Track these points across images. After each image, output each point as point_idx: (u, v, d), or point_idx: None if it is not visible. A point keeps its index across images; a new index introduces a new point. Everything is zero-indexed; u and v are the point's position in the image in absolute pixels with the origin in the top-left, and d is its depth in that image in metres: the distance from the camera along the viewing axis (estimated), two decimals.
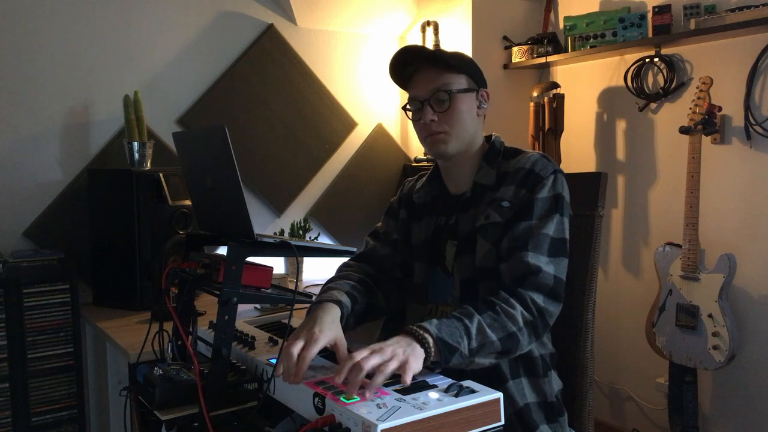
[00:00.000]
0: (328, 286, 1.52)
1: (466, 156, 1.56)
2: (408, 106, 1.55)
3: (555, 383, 1.51)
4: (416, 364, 1.19)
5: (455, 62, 1.50)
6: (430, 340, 1.23)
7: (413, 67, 1.54)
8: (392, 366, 1.15)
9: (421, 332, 1.24)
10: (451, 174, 1.60)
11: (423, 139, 1.55)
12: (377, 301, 1.61)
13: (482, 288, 1.46)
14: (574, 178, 1.66)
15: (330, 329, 1.30)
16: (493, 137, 1.60)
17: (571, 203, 1.51)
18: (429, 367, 1.24)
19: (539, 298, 1.37)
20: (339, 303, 1.41)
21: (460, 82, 1.51)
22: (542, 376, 1.47)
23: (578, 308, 1.63)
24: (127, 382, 2.13)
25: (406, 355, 1.18)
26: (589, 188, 1.68)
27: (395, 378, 1.19)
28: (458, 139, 1.52)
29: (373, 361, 1.15)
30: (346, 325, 1.42)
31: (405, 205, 1.69)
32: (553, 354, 1.52)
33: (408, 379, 1.15)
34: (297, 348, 1.22)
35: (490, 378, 1.38)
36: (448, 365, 1.26)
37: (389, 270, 1.65)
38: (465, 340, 1.27)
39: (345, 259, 1.69)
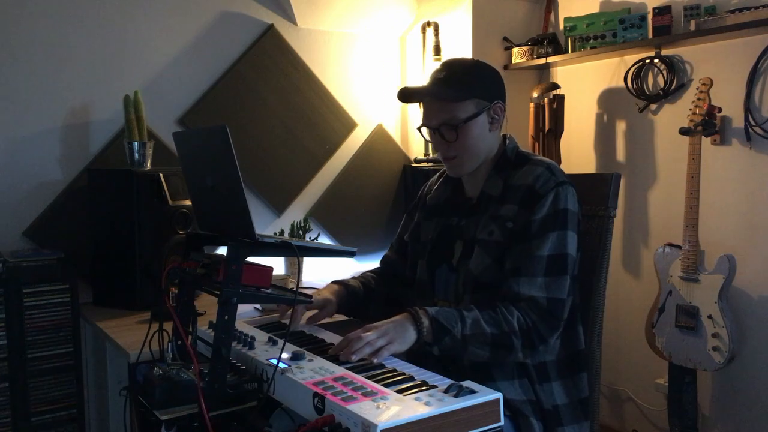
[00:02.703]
0: None
1: (481, 164, 1.58)
2: (422, 128, 1.61)
3: (557, 394, 1.51)
4: (399, 345, 1.34)
5: (458, 94, 1.51)
6: (426, 320, 1.36)
7: (419, 98, 1.60)
8: (379, 342, 1.31)
9: (420, 312, 1.38)
10: (467, 178, 1.64)
11: (441, 159, 1.62)
12: (396, 294, 1.74)
13: (480, 299, 1.48)
14: (587, 179, 1.66)
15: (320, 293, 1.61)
16: (507, 141, 1.61)
17: (583, 204, 1.50)
18: (425, 349, 1.37)
19: (533, 316, 1.42)
20: (341, 282, 1.65)
21: (467, 109, 1.52)
22: (537, 382, 1.48)
23: (585, 309, 1.63)
24: (127, 382, 2.13)
25: (392, 335, 1.34)
26: (602, 189, 1.67)
27: (395, 378, 1.20)
28: (471, 160, 1.57)
29: (369, 335, 1.33)
30: (366, 310, 1.57)
31: (421, 205, 1.74)
32: (555, 363, 1.52)
33: (382, 355, 1.31)
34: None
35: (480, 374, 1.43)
36: (441, 345, 1.37)
37: (401, 273, 1.74)
38: (459, 326, 1.37)
39: (345, 260, 1.75)
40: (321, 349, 1.43)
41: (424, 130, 1.59)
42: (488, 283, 1.49)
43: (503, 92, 1.59)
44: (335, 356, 1.35)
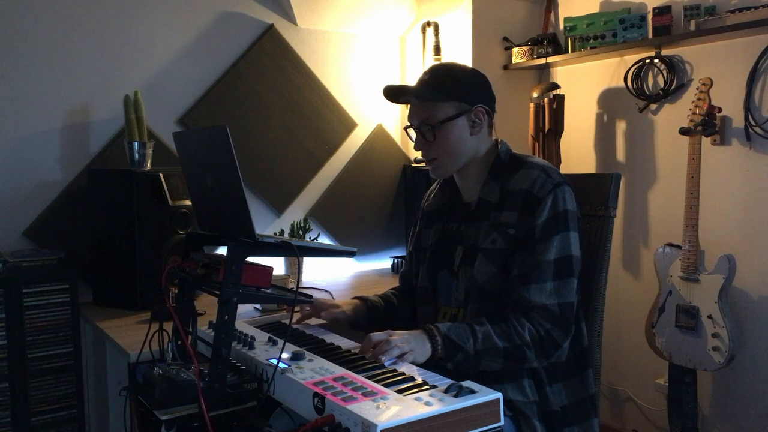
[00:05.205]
0: None
1: (471, 168, 1.60)
2: (408, 129, 1.63)
3: (564, 394, 1.52)
4: (417, 356, 1.35)
5: (437, 94, 1.53)
6: (439, 338, 1.39)
7: (403, 97, 1.63)
8: (395, 352, 1.33)
9: (434, 330, 1.41)
10: (461, 183, 1.65)
11: (423, 160, 1.64)
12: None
13: (486, 307, 1.49)
14: (587, 179, 1.66)
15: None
16: (499, 145, 1.61)
17: (583, 204, 1.50)
18: (439, 363, 1.38)
19: (546, 324, 1.44)
20: (361, 298, 1.69)
21: (447, 110, 1.53)
22: (548, 383, 1.49)
23: (585, 309, 1.63)
24: (127, 382, 2.13)
25: (413, 345, 1.36)
26: (602, 189, 1.68)
27: (395, 378, 1.20)
28: (450, 163, 1.58)
29: (395, 339, 1.36)
30: (390, 325, 1.53)
31: (422, 214, 1.76)
32: (563, 362, 1.52)
33: (406, 360, 1.33)
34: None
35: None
36: (454, 361, 1.39)
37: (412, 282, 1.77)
38: (471, 342, 1.39)
39: (345, 259, 1.76)
40: (321, 349, 1.44)
41: (410, 130, 1.61)
42: (494, 290, 1.50)
43: (489, 97, 1.59)
44: (339, 356, 1.35)
